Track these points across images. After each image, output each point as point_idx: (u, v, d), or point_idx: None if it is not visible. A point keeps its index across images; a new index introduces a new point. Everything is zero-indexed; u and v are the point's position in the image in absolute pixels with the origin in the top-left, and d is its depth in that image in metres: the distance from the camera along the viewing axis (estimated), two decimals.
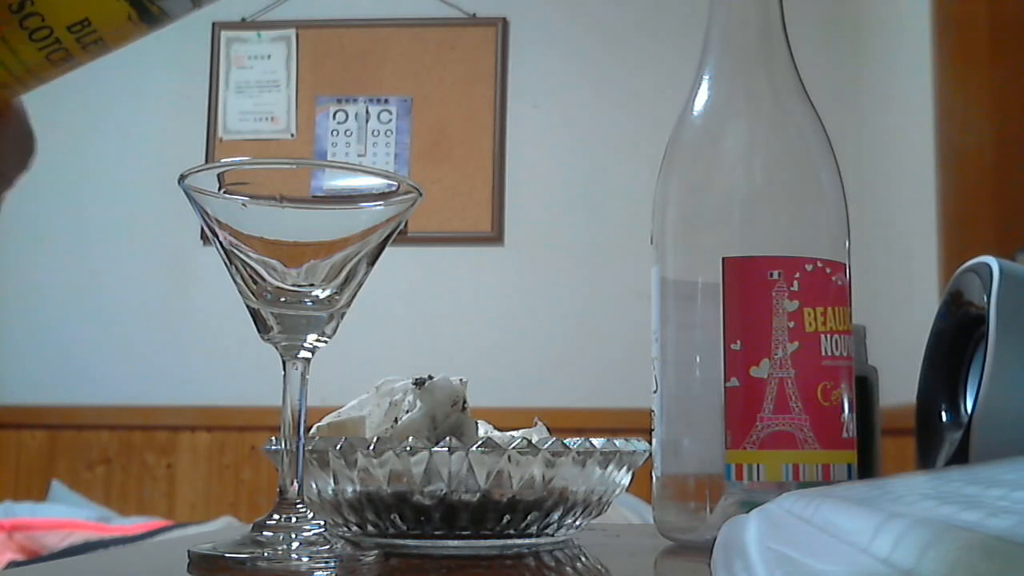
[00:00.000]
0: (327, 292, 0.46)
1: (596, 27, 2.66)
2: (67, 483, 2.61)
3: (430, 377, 0.55)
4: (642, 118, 2.51)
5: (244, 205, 0.45)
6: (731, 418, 0.52)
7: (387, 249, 0.47)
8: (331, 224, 0.46)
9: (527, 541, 0.52)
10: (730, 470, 0.52)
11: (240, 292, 0.46)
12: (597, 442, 0.51)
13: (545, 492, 0.50)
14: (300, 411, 0.46)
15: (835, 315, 0.53)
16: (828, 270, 0.54)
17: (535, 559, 0.50)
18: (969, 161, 1.94)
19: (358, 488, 0.50)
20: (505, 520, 0.50)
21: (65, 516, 2.26)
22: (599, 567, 0.51)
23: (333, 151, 2.68)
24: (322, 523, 0.46)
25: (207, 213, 0.45)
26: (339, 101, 2.70)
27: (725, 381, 0.52)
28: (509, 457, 0.49)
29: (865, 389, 0.66)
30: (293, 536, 0.44)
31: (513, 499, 0.50)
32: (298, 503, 0.46)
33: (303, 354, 0.47)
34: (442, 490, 0.49)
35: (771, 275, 0.52)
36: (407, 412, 0.54)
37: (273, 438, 0.52)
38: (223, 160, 0.47)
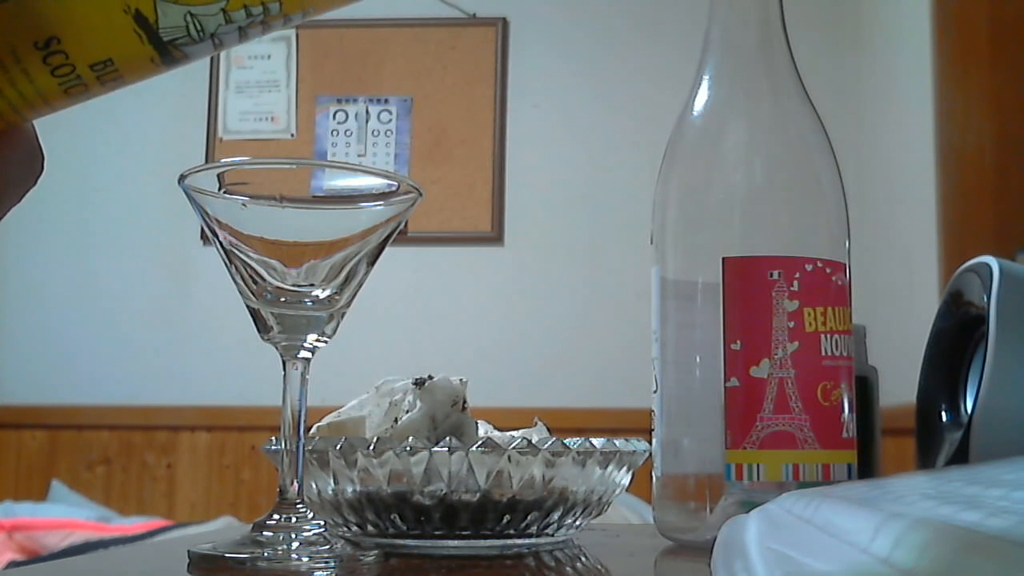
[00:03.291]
0: (327, 292, 0.46)
1: (596, 27, 2.66)
2: (67, 483, 2.61)
3: (430, 377, 0.55)
4: (642, 118, 2.51)
5: (244, 205, 0.45)
6: (731, 418, 0.52)
7: (387, 249, 0.47)
8: (331, 224, 0.46)
9: (527, 541, 0.52)
10: (730, 470, 0.52)
11: (240, 292, 0.46)
12: (597, 442, 0.51)
13: (545, 492, 0.50)
14: (300, 411, 0.46)
15: (835, 315, 0.53)
16: (828, 270, 0.53)
17: (535, 559, 0.50)
18: (969, 161, 1.94)
19: (358, 488, 0.50)
20: (505, 520, 0.50)
21: (65, 516, 2.26)
22: (599, 567, 0.51)
23: (333, 151, 2.67)
24: (322, 523, 0.46)
25: (207, 213, 0.45)
26: (339, 101, 2.70)
27: (725, 381, 0.52)
28: (509, 457, 0.49)
29: (865, 389, 0.66)
30: (293, 536, 0.44)
31: (513, 499, 0.50)
32: (298, 503, 0.46)
33: (303, 354, 0.47)
34: (442, 490, 0.49)
35: (771, 275, 0.52)
36: (407, 412, 0.54)
37: (273, 438, 0.52)
38: (223, 160, 0.47)
